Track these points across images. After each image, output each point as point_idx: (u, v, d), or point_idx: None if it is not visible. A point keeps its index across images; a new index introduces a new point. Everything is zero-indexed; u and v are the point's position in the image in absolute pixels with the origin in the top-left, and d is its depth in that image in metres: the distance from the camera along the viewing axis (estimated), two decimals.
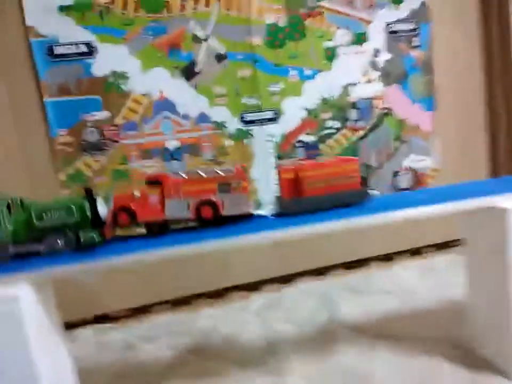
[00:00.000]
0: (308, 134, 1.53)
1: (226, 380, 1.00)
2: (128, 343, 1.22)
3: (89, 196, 0.82)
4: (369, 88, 1.56)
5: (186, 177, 0.85)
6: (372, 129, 1.58)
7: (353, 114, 1.56)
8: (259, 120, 1.48)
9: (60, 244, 0.79)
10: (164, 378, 1.05)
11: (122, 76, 1.35)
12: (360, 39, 1.54)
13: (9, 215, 0.78)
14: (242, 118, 1.47)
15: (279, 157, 1.51)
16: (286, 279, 1.55)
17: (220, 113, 1.45)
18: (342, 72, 1.53)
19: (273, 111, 1.49)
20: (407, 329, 1.07)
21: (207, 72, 1.42)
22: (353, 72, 1.55)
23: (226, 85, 1.44)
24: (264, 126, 1.49)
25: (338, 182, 0.86)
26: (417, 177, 1.64)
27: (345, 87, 1.54)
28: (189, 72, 1.41)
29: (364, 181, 0.88)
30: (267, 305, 1.36)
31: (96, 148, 1.36)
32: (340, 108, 1.54)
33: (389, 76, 1.58)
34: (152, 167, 1.42)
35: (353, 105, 1.55)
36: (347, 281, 1.44)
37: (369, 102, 1.56)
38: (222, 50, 1.42)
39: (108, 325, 1.34)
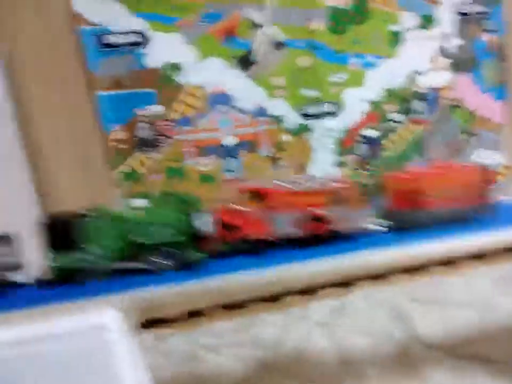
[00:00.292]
0: (370, 128, 1.43)
1: None
2: (190, 353, 1.16)
3: (188, 208, 0.76)
4: (437, 77, 1.44)
5: (292, 189, 0.76)
6: (438, 122, 1.46)
7: (418, 105, 1.44)
8: (319, 113, 1.38)
9: (160, 262, 0.72)
10: None
11: (177, 67, 1.26)
12: (428, 22, 1.42)
13: (102, 228, 0.71)
14: (301, 111, 1.37)
15: (340, 154, 1.41)
16: (342, 284, 1.46)
17: (278, 106, 1.35)
18: (407, 60, 1.41)
19: (333, 104, 1.38)
20: (498, 350, 0.98)
21: (265, 62, 1.32)
22: (419, 60, 1.43)
23: (284, 75, 1.34)
24: (324, 120, 1.38)
25: (459, 192, 0.77)
26: (486, 175, 1.52)
27: (411, 76, 1.43)
28: (245, 62, 1.31)
29: (486, 191, 0.79)
30: (330, 314, 1.28)
31: (149, 144, 1.28)
32: (404, 99, 1.43)
33: (458, 64, 1.45)
34: (207, 165, 1.33)
35: (419, 96, 1.44)
36: (412, 289, 1.34)
37: (436, 92, 1.45)
38: (280, 37, 1.32)
39: (167, 331, 1.28)
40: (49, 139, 1.20)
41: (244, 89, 1.32)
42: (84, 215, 0.68)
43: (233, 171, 1.35)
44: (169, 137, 1.29)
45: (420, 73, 1.43)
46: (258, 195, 0.77)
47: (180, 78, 1.27)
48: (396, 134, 1.44)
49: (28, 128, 1.18)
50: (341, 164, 1.42)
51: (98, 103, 1.22)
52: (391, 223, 0.81)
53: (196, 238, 0.73)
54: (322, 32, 1.33)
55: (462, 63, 1.45)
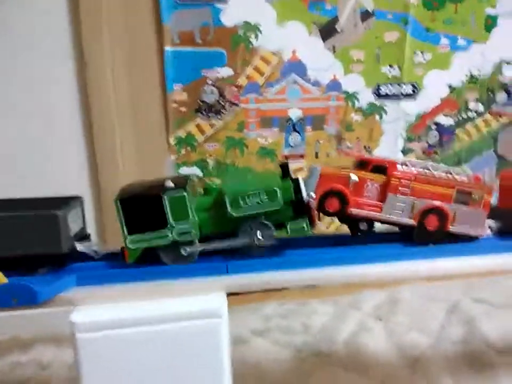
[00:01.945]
0: (445, 115, 1.32)
1: None
2: (238, 336, 1.12)
3: (289, 173, 0.63)
4: None
5: (417, 172, 0.66)
6: None
7: (501, 97, 1.33)
8: (396, 94, 1.27)
9: (261, 238, 0.60)
10: None
11: (254, 28, 1.13)
12: None
13: (189, 203, 0.59)
14: (377, 90, 1.25)
15: (408, 139, 1.32)
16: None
17: (353, 82, 1.24)
18: (498, 46, 1.28)
19: (413, 85, 1.27)
20: None
21: (349, 33, 1.19)
22: (510, 48, 1.30)
23: (366, 49, 1.21)
24: (400, 102, 1.27)
25: None
26: None
27: (499, 65, 1.30)
28: (328, 31, 1.18)
29: None
30: (382, 307, 1.24)
31: (213, 109, 1.18)
32: (488, 88, 1.32)
33: None
34: (268, 137, 1.24)
35: (504, 87, 1.32)
36: (470, 285, 1.29)
37: None
38: (370, 6, 1.18)
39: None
40: (108, 95, 1.09)
41: (320, 60, 1.20)
42: (166, 189, 0.56)
43: (296, 147, 1.26)
44: (235, 104, 1.19)
45: (508, 63, 1.30)
46: (380, 168, 0.66)
47: (255, 41, 1.14)
48: (473, 124, 1.34)
49: (86, 81, 1.07)
50: (407, 151, 1.33)
51: (165, 60, 1.11)
52: (498, 224, 0.72)
53: (299, 208, 0.61)
54: (416, 6, 1.19)
55: None
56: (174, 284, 0.57)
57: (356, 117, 1.26)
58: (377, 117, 1.28)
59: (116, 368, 0.54)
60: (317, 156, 1.27)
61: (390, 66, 1.23)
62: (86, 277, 0.57)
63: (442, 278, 0.84)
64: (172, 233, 0.57)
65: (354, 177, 0.64)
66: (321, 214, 0.65)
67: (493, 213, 0.71)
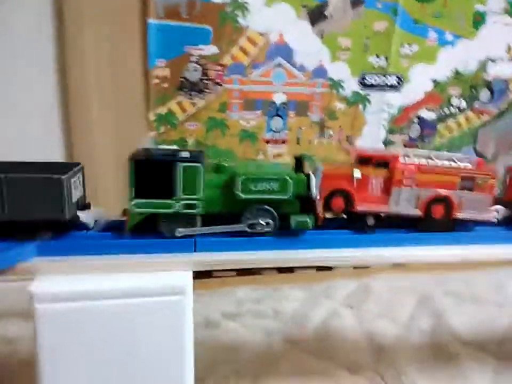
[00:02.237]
0: (428, 109, 1.32)
1: None
2: (209, 319, 1.11)
3: (302, 167, 0.63)
4: (509, 67, 1.33)
5: (420, 162, 0.66)
6: (499, 115, 1.37)
7: (484, 95, 1.34)
8: (381, 85, 1.26)
9: (264, 226, 0.60)
10: (260, 370, 0.94)
11: (242, 7, 1.11)
12: None
13: (200, 177, 0.58)
14: (362, 79, 1.25)
15: (390, 131, 1.32)
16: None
17: (339, 70, 1.22)
18: (485, 44, 1.29)
19: (398, 77, 1.26)
20: None
21: (338, 18, 1.18)
22: (497, 46, 1.30)
23: (354, 37, 1.20)
24: (384, 93, 1.27)
25: None
26: None
27: (484, 62, 1.31)
28: (317, 15, 1.16)
29: None
30: (355, 295, 1.24)
31: (195, 88, 1.15)
32: (472, 85, 1.32)
33: None
34: (251, 120, 1.22)
35: (487, 85, 1.33)
36: (443, 280, 1.30)
37: (505, 83, 1.34)
38: None
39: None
40: (88, 67, 1.05)
41: (307, 45, 1.18)
42: (182, 158, 0.56)
43: (278, 132, 1.24)
44: (219, 83, 1.16)
45: (493, 60, 1.31)
46: (383, 163, 0.66)
47: (242, 20, 1.12)
48: (454, 120, 1.34)
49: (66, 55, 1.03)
50: (388, 142, 1.33)
51: (148, 33, 1.07)
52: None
53: (307, 202, 0.61)
54: None
55: None
56: (140, 259, 0.56)
57: (339, 105, 1.26)
58: (360, 106, 1.27)
59: (75, 341, 0.52)
60: (298, 142, 1.26)
61: (377, 56, 1.23)
62: (47, 247, 0.55)
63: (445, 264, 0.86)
64: (177, 204, 0.56)
65: (357, 174, 0.65)
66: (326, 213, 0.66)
67: (501, 203, 0.72)
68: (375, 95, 1.26)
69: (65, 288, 0.51)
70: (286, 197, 0.59)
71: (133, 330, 0.53)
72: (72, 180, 0.56)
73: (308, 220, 0.60)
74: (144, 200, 0.55)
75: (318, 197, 0.62)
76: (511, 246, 0.67)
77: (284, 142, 1.25)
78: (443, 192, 0.65)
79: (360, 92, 1.25)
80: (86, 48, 1.04)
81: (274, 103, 1.22)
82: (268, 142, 1.25)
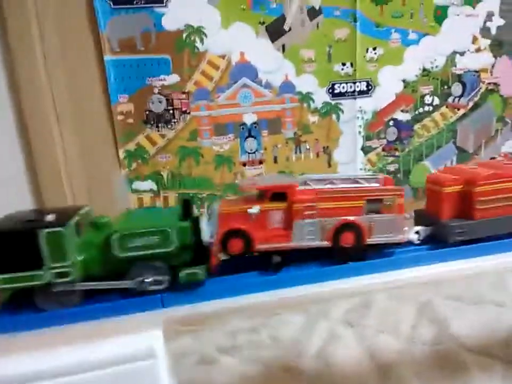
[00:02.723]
0: (402, 111, 1.30)
1: None
2: (204, 355, 1.06)
3: (190, 210, 0.57)
4: (477, 58, 1.31)
5: (320, 189, 0.61)
6: (474, 107, 1.35)
7: (456, 89, 1.32)
8: (350, 92, 1.24)
9: (149, 283, 0.54)
10: None
11: (199, 31, 1.08)
12: None
13: (78, 237, 0.53)
14: (331, 89, 1.22)
15: (367, 138, 1.29)
16: None
17: (306, 83, 1.20)
18: (449, 38, 1.27)
19: (367, 82, 1.24)
20: None
21: (297, 31, 1.16)
22: (462, 39, 1.29)
23: (317, 47, 1.18)
24: (355, 100, 1.25)
25: None
26: None
27: (451, 56, 1.29)
28: (275, 30, 1.14)
29: None
30: (352, 311, 1.20)
31: (162, 119, 1.12)
32: (442, 81, 1.30)
33: (500, 45, 1.32)
34: (224, 144, 1.19)
35: (458, 78, 1.31)
36: (440, 283, 1.26)
37: (476, 75, 1.32)
38: (317, 3, 1.15)
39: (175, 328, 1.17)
40: (47, 112, 1.02)
41: (270, 62, 1.16)
42: (46, 224, 0.50)
43: (253, 153, 1.21)
44: (184, 112, 1.13)
45: (460, 53, 1.29)
46: (279, 195, 0.60)
47: (200, 45, 1.09)
48: (430, 118, 1.32)
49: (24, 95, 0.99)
50: (366, 149, 1.30)
51: (106, 70, 1.04)
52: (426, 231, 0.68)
53: (198, 250, 0.56)
54: (364, 1, 1.16)
55: (503, 45, 1.32)
56: (97, 325, 0.51)
57: (312, 118, 1.23)
58: (334, 116, 1.24)
59: None
60: (276, 161, 1.23)
61: (343, 64, 1.20)
62: None
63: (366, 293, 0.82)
64: (48, 274, 0.50)
65: (253, 210, 0.59)
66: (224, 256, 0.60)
67: (421, 218, 0.68)
68: (347, 103, 1.24)
69: (21, 369, 0.46)
70: (170, 249, 0.53)
71: None
72: None
73: (198, 271, 0.54)
74: (8, 275, 0.50)
75: (213, 240, 0.57)
76: (434, 266, 0.62)
77: (261, 162, 1.22)
78: (349, 218, 0.60)
79: (331, 101, 1.23)
80: (42, 90, 1.00)
81: (245, 124, 1.19)
82: (244, 164, 1.21)
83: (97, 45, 1.03)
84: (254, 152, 1.22)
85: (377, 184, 0.63)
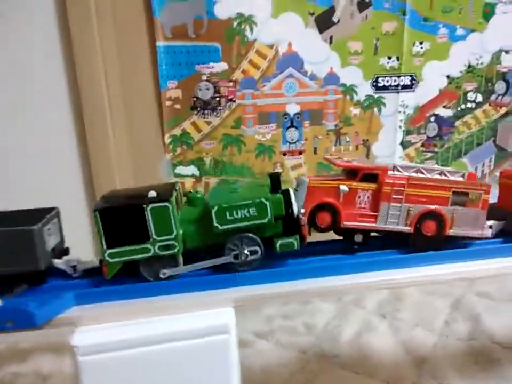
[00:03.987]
0: (444, 107, 1.30)
1: None
2: (241, 338, 1.09)
3: (279, 184, 0.58)
4: None
5: (411, 176, 0.62)
6: None
7: (500, 87, 1.31)
8: (394, 86, 1.24)
9: (248, 254, 0.56)
10: None
11: (249, 21, 1.09)
12: None
13: (177, 212, 0.55)
14: (375, 82, 1.22)
15: (407, 132, 1.29)
16: None
17: (351, 75, 1.21)
18: (496, 35, 1.26)
19: (411, 76, 1.24)
20: None
21: (346, 23, 1.16)
22: (508, 37, 1.27)
23: (364, 40, 1.18)
24: (399, 94, 1.25)
25: None
26: None
27: (497, 54, 1.28)
28: (324, 22, 1.15)
29: None
30: (386, 303, 1.22)
31: (209, 106, 1.14)
32: (486, 78, 1.29)
33: None
34: (266, 133, 1.20)
35: (502, 76, 1.30)
36: (474, 282, 1.28)
37: None
38: None
39: None
40: (100, 94, 1.04)
41: (317, 53, 1.17)
42: (151, 200, 0.52)
43: (294, 143, 1.23)
44: (230, 100, 1.15)
45: (506, 52, 1.28)
46: (371, 176, 0.62)
47: (250, 34, 1.10)
48: (471, 115, 1.31)
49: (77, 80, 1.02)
50: (405, 144, 1.30)
51: (157, 55, 1.06)
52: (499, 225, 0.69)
53: (289, 222, 0.57)
54: None
55: None
56: (177, 300, 0.54)
57: (354, 111, 1.24)
58: (375, 110, 1.25)
59: None
60: (315, 152, 1.25)
61: (389, 57, 1.20)
62: (85, 295, 0.53)
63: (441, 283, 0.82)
64: (154, 247, 0.53)
65: (344, 188, 0.60)
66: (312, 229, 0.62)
67: (493, 212, 0.69)
68: (389, 97, 1.24)
69: (108, 338, 0.49)
70: (265, 221, 0.55)
71: (180, 375, 0.51)
72: (46, 228, 0.54)
73: (293, 240, 0.56)
74: (117, 249, 0.53)
75: (302, 212, 0.58)
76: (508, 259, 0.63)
77: (300, 153, 1.24)
78: (435, 207, 0.62)
79: (374, 95, 1.23)
80: (97, 73, 1.03)
81: (288, 114, 1.20)
82: (284, 154, 1.23)
83: (151, 30, 1.04)
84: (295, 143, 1.23)
85: (462, 178, 0.64)
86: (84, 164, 1.09)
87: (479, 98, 1.30)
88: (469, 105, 1.30)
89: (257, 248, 0.56)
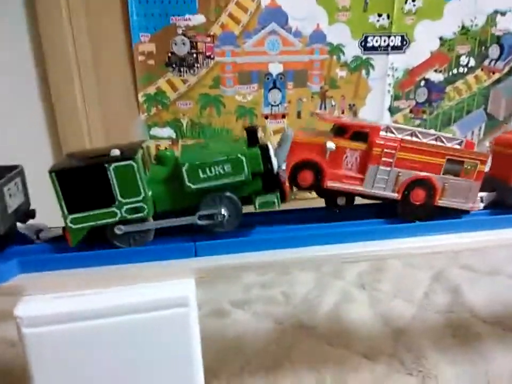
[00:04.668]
0: (435, 71, 1.23)
1: (361, 373, 0.85)
2: (217, 308, 1.06)
3: (256, 139, 0.52)
4: None
5: (405, 139, 0.57)
6: (510, 72, 1.28)
7: (494, 51, 1.25)
8: (384, 47, 1.17)
9: (224, 215, 0.51)
10: (272, 359, 0.89)
11: None
12: None
13: (145, 173, 0.50)
14: (363, 42, 1.15)
15: (396, 98, 1.23)
16: None
17: (339, 33, 1.13)
18: None
19: (402, 36, 1.17)
20: None
21: None
22: None
23: None
24: (388, 56, 1.18)
25: None
26: None
27: (492, 15, 1.21)
28: None
29: None
30: (366, 274, 1.19)
31: (184, 63, 1.06)
32: (480, 41, 1.23)
33: None
34: (247, 94, 1.13)
35: (496, 40, 1.24)
36: (458, 254, 1.25)
37: None
38: None
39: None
40: (66, 48, 0.96)
41: (302, 7, 1.09)
42: (114, 159, 0.47)
43: (277, 106, 1.16)
44: (208, 57, 1.07)
45: (502, 14, 1.21)
46: (361, 135, 0.57)
47: None
48: (463, 81, 1.26)
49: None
50: (393, 110, 1.25)
51: (127, 4, 0.97)
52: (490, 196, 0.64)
53: (269, 179, 0.52)
54: None
55: None
56: (133, 269, 0.49)
57: (340, 73, 1.17)
58: (363, 72, 1.18)
59: (70, 365, 0.46)
60: (299, 116, 1.18)
61: (379, 15, 1.13)
62: (30, 262, 0.48)
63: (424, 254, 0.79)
64: (120, 211, 0.48)
65: (331, 145, 0.55)
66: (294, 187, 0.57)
67: (484, 183, 0.64)
68: (378, 59, 1.17)
69: (55, 309, 0.44)
70: (242, 178, 0.50)
71: (136, 350, 0.47)
72: (6, 188, 0.48)
73: (273, 198, 0.52)
74: (80, 214, 0.48)
75: (284, 167, 0.53)
76: (501, 231, 0.59)
77: (283, 116, 1.17)
78: (425, 174, 0.57)
79: (362, 56, 1.16)
80: (60, 25, 0.94)
81: (270, 74, 1.13)
82: (266, 117, 1.17)
83: None
84: (278, 105, 1.16)
85: (459, 146, 0.59)
86: (51, 126, 1.01)
87: (472, 62, 1.24)
88: (461, 70, 1.24)
89: (236, 207, 0.51)
